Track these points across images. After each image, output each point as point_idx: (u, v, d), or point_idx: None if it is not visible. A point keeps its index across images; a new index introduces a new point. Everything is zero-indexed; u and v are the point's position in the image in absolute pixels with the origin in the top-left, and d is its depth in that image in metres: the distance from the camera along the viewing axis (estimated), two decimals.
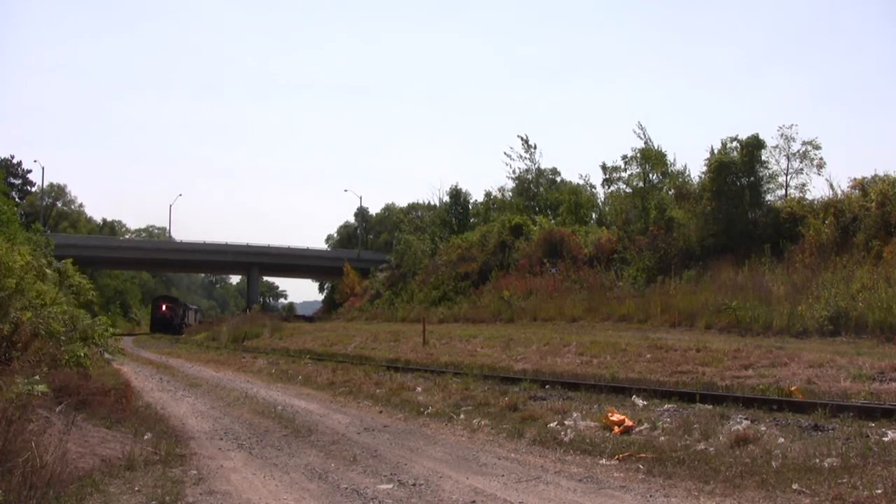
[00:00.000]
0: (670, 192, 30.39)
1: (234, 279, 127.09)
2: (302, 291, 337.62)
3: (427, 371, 14.95)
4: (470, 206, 51.60)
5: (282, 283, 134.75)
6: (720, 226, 24.32)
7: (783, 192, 25.91)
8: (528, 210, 44.37)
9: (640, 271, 25.27)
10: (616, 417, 8.16)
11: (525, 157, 48.86)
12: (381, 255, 58.71)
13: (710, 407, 8.71)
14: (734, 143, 25.32)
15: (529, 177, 49.01)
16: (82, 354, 8.99)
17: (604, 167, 37.65)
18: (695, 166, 44.55)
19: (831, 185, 28.22)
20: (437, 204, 55.77)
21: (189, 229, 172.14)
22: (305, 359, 20.27)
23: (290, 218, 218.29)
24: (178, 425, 9.23)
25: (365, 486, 5.93)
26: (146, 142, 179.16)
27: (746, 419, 7.81)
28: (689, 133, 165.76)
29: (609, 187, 38.60)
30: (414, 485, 5.95)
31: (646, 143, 35.18)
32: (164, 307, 60.18)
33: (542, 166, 49.64)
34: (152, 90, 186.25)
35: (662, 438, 7.39)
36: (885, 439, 6.52)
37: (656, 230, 26.44)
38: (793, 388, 9.53)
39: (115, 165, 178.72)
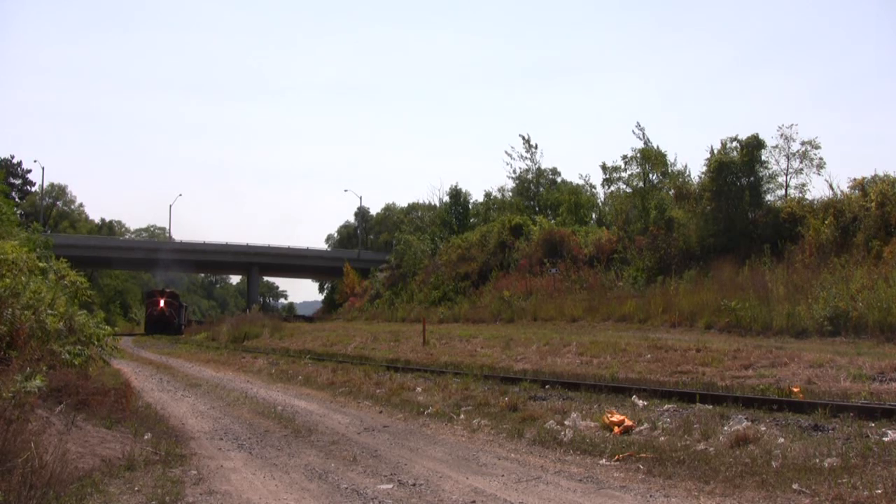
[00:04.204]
0: (670, 192, 30.43)
1: (234, 279, 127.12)
2: (302, 291, 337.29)
3: (427, 371, 14.95)
4: (470, 206, 51.72)
5: (282, 283, 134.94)
6: (720, 226, 24.35)
7: (783, 192, 26.00)
8: (528, 210, 44.47)
9: (640, 271, 25.30)
10: (616, 417, 8.16)
11: (526, 157, 49.02)
12: (381, 255, 58.75)
13: (710, 407, 8.71)
14: (734, 143, 25.40)
15: (530, 177, 49.14)
16: (77, 353, 8.96)
17: (604, 167, 37.85)
18: (695, 166, 44.79)
19: (831, 186, 28.43)
20: (437, 204, 55.94)
21: (189, 230, 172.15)
22: (305, 359, 20.26)
23: (290, 218, 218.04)
24: (178, 425, 9.22)
25: (365, 486, 5.92)
26: (146, 142, 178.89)
27: (746, 419, 7.80)
28: (689, 133, 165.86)
29: (609, 187, 38.79)
30: (414, 485, 5.94)
31: (645, 143, 35.29)
32: (161, 304, 50.66)
33: (543, 166, 49.80)
34: (153, 90, 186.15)
35: (662, 438, 7.39)
36: (885, 439, 6.52)
37: (656, 230, 26.46)
38: (794, 388, 9.53)
39: (115, 165, 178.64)
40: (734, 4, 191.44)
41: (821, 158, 25.71)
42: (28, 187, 71.89)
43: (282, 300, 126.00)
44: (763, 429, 7.30)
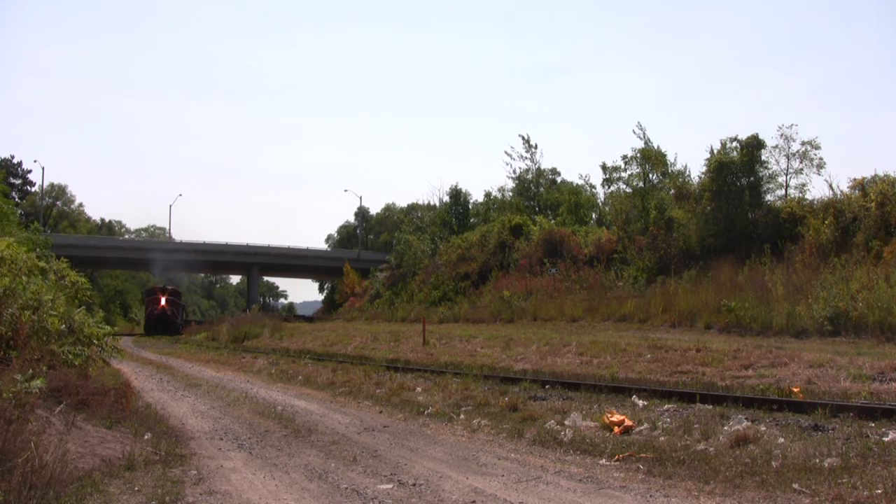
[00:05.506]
0: (670, 192, 30.43)
1: (234, 279, 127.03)
2: (302, 291, 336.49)
3: (427, 371, 14.95)
4: (470, 206, 51.72)
5: (282, 283, 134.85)
6: (720, 226, 24.35)
7: (783, 192, 25.99)
8: (528, 210, 44.45)
9: (640, 271, 25.31)
10: (616, 417, 8.16)
11: (526, 157, 49.01)
12: (381, 255, 58.75)
13: (710, 407, 8.71)
14: (734, 143, 25.40)
15: (530, 177, 49.10)
16: (77, 354, 8.95)
17: (604, 167, 37.85)
18: (695, 166, 44.79)
19: (831, 186, 28.34)
20: (437, 204, 55.94)
21: (189, 229, 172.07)
22: (305, 359, 20.27)
23: (290, 218, 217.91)
24: (178, 425, 9.22)
25: (365, 486, 5.93)
26: (146, 142, 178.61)
27: (746, 419, 7.81)
28: (688, 133, 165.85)
29: (609, 187, 38.78)
30: (414, 485, 5.95)
31: (645, 143, 35.28)
32: (162, 301, 48.49)
33: (543, 166, 49.79)
34: (153, 90, 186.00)
35: (662, 438, 7.39)
36: (886, 439, 6.52)
37: (656, 230, 26.46)
38: (794, 388, 9.53)
39: (115, 165, 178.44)
40: (734, 4, 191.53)
41: (821, 158, 25.72)
42: (28, 187, 71.90)
43: (282, 300, 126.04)
44: (763, 429, 7.30)
